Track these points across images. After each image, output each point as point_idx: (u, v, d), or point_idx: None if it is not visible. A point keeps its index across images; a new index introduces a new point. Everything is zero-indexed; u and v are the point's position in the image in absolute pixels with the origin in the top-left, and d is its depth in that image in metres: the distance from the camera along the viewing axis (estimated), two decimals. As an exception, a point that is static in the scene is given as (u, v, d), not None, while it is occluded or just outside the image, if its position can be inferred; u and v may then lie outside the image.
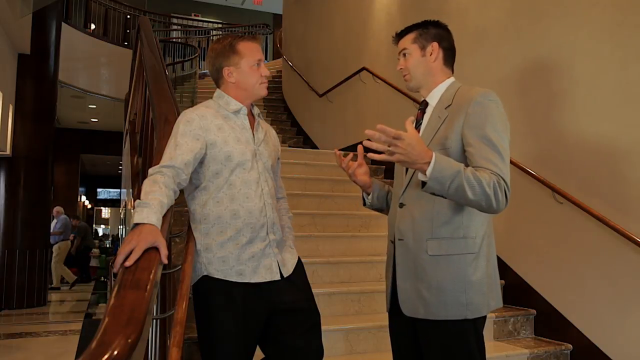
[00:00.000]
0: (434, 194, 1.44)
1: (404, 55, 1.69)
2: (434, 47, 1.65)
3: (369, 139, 1.36)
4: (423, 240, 1.56)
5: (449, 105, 1.59)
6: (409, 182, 1.62)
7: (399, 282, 1.62)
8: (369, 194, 1.81)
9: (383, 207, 1.83)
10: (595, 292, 2.72)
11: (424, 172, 1.38)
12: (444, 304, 1.52)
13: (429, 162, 1.36)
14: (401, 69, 1.71)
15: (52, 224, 9.52)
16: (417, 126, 1.69)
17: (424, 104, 1.70)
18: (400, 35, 1.72)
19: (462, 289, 1.51)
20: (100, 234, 17.95)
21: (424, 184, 1.40)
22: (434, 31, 1.67)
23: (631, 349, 2.54)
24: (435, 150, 1.53)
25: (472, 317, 1.52)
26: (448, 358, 1.53)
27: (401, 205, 1.64)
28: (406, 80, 1.71)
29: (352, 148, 5.33)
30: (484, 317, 1.59)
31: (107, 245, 13.65)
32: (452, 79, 1.69)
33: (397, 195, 1.68)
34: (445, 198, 1.46)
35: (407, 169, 1.64)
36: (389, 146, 1.35)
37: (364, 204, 1.85)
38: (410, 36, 1.69)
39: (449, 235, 1.54)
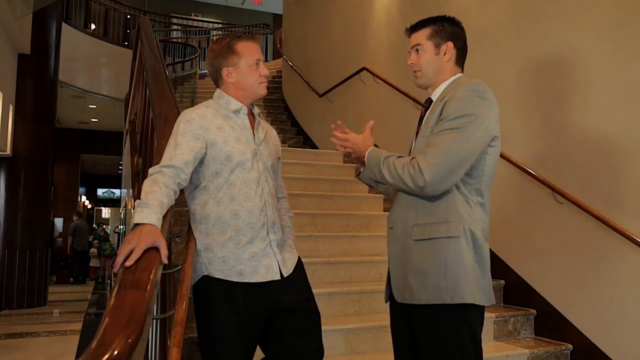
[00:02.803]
0: (375, 181, 1.77)
1: (417, 50, 1.68)
2: (449, 47, 1.65)
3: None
4: (409, 226, 1.59)
5: (444, 98, 1.61)
6: None
7: (390, 269, 1.67)
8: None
9: (372, 184, 1.86)
10: (595, 292, 2.72)
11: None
12: (424, 287, 1.52)
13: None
14: (412, 64, 1.69)
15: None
16: (420, 124, 1.71)
17: (429, 102, 1.70)
18: (414, 29, 1.70)
19: (443, 272, 1.51)
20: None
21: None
22: (450, 29, 1.65)
23: (631, 349, 2.53)
24: (420, 136, 1.64)
25: (452, 302, 1.50)
26: (440, 351, 1.52)
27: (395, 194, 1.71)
28: (416, 76, 1.70)
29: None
30: (479, 313, 1.57)
31: (114, 246, 13.59)
32: (457, 75, 1.68)
33: None
34: (381, 183, 1.73)
35: None
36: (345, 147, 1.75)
37: (357, 175, 1.89)
38: (425, 31, 1.66)
39: (431, 221, 1.56)
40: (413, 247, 1.57)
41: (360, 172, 1.87)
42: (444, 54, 1.65)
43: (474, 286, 1.53)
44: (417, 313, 1.57)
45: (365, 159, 1.67)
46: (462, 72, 1.70)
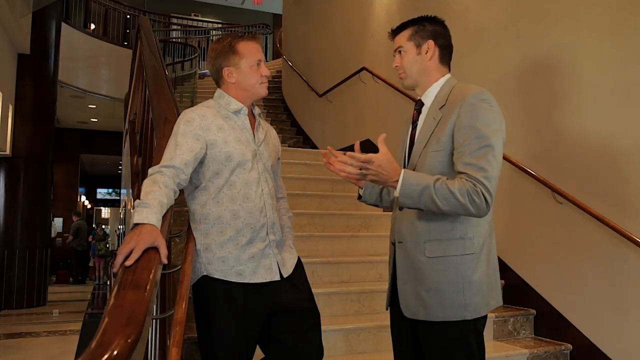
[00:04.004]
0: (409, 207, 1.52)
1: (400, 52, 1.68)
2: (430, 45, 1.64)
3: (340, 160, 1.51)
4: (421, 242, 1.56)
5: (443, 106, 1.58)
6: None
7: (399, 284, 1.63)
8: (361, 188, 1.82)
9: (377, 203, 1.83)
10: (595, 292, 2.72)
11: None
12: (442, 305, 1.52)
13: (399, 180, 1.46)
14: (397, 66, 1.69)
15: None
16: (414, 128, 1.68)
17: (419, 104, 1.69)
18: (395, 32, 1.70)
19: (460, 289, 1.51)
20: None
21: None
22: (430, 28, 1.65)
23: (631, 349, 2.53)
24: (430, 152, 1.55)
25: (471, 318, 1.52)
26: (448, 358, 1.53)
27: (401, 207, 1.64)
28: (401, 78, 1.70)
29: (352, 148, 5.34)
30: (485, 317, 1.59)
31: (108, 245, 13.62)
32: (447, 77, 1.67)
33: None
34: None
35: None
36: (360, 169, 1.48)
37: (359, 198, 1.86)
38: (405, 33, 1.67)
39: (445, 237, 1.53)
40: (426, 263, 1.54)
41: (361, 195, 1.83)
42: (426, 53, 1.64)
43: (488, 297, 1.56)
44: (425, 323, 1.56)
45: (401, 184, 1.46)
46: (449, 71, 1.69)
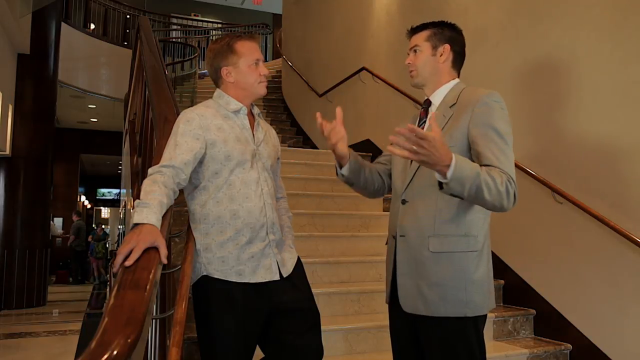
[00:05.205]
0: (452, 194, 1.41)
1: (415, 51, 1.70)
2: (446, 49, 1.67)
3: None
4: (425, 237, 1.57)
5: (454, 104, 1.61)
6: (412, 179, 1.62)
7: (399, 278, 1.63)
8: (342, 167, 1.73)
9: (356, 182, 1.75)
10: (595, 292, 2.72)
11: (443, 174, 1.35)
12: (443, 301, 1.52)
13: (449, 165, 1.33)
14: (409, 63, 1.72)
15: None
16: (421, 124, 1.70)
17: (427, 103, 1.71)
18: (414, 31, 1.73)
19: (463, 286, 1.52)
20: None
21: (441, 184, 1.37)
22: (448, 33, 1.68)
23: (631, 349, 2.53)
24: None
25: (472, 315, 1.52)
26: (449, 355, 1.54)
27: (403, 201, 1.64)
28: (412, 76, 1.72)
29: (352, 148, 5.34)
30: (485, 316, 1.60)
31: (107, 246, 13.62)
32: (456, 81, 1.70)
33: (399, 191, 1.68)
34: (462, 199, 1.43)
35: (410, 165, 1.65)
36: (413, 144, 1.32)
37: (337, 174, 1.77)
38: (424, 34, 1.70)
39: (451, 233, 1.55)
40: (429, 258, 1.55)
41: (338, 171, 1.72)
42: (441, 56, 1.67)
43: (488, 297, 1.57)
44: (426, 320, 1.57)
45: (454, 168, 1.34)
46: (459, 76, 1.72)
